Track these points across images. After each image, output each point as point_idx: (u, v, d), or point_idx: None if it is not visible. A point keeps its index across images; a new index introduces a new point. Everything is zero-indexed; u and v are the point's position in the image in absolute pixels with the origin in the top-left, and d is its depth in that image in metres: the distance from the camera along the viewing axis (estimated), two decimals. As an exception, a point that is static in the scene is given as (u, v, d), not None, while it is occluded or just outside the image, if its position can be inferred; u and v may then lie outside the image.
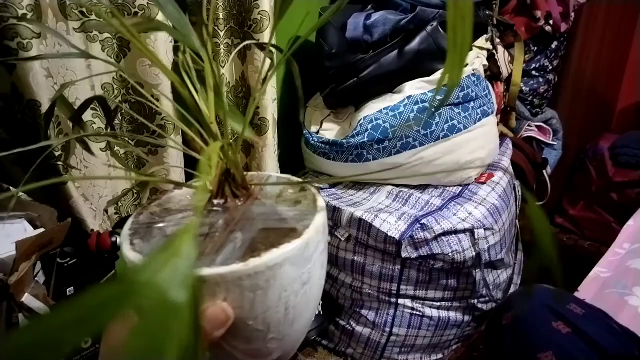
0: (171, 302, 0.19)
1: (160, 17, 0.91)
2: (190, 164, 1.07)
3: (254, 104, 0.38)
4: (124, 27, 0.30)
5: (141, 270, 0.19)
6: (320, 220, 0.36)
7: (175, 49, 0.98)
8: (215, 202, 0.39)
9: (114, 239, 0.92)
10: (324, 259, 0.38)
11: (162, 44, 0.94)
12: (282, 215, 0.37)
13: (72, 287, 0.87)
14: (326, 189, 1.32)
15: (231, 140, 0.37)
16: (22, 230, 0.73)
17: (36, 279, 0.77)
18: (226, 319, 0.32)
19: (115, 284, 0.19)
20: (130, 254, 0.34)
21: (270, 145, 1.19)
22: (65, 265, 0.85)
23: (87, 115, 0.93)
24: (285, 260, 0.32)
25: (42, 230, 0.75)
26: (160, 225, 0.37)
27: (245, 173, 0.40)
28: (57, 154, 0.82)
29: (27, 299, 0.73)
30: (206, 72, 0.36)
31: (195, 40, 0.35)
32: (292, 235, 0.34)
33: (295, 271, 0.33)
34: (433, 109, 1.16)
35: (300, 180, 0.42)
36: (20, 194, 0.76)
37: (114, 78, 0.95)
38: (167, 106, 0.97)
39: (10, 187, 0.76)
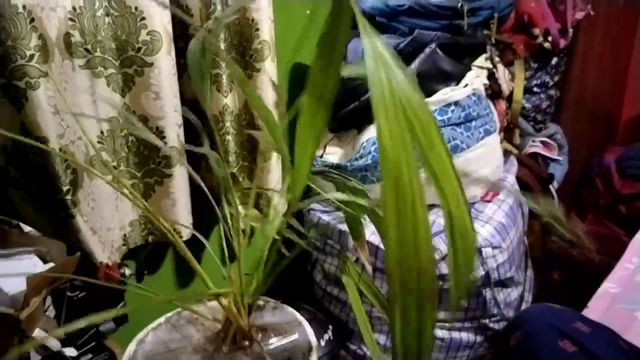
0: None
1: (162, 52, 0.93)
2: (195, 194, 1.08)
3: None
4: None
5: None
6: None
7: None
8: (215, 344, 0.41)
9: (122, 271, 0.93)
10: None
11: (166, 77, 0.96)
12: None
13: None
14: (332, 211, 1.32)
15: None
16: (32, 265, 0.74)
17: (47, 313, 0.78)
18: None
19: None
20: None
21: (274, 172, 1.20)
22: (75, 298, 0.86)
23: (94, 150, 0.95)
24: None
25: (51, 264, 0.76)
26: None
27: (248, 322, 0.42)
28: (64, 188, 0.84)
29: (38, 333, 0.74)
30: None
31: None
32: None
33: None
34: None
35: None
36: (29, 229, 0.78)
37: (119, 112, 0.97)
38: (172, 138, 0.99)
39: (20, 224, 0.77)
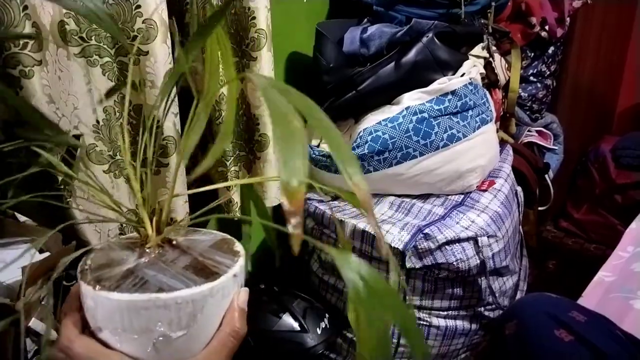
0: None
1: (158, 40, 0.92)
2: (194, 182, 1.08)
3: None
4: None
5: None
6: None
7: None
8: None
9: (118, 260, 0.93)
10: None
11: (161, 66, 0.95)
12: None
13: (79, 309, 0.88)
14: (328, 201, 1.32)
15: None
16: (27, 255, 0.74)
17: (42, 302, 0.78)
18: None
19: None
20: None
21: (270, 161, 1.19)
22: (71, 287, 0.85)
23: (89, 139, 0.94)
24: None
25: (47, 254, 0.76)
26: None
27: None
28: (60, 178, 0.83)
29: (33, 323, 0.74)
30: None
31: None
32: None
33: None
34: (432, 119, 1.17)
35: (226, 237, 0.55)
36: (25, 219, 0.77)
37: (115, 101, 0.97)
38: (168, 127, 0.99)
39: (15, 213, 0.77)
